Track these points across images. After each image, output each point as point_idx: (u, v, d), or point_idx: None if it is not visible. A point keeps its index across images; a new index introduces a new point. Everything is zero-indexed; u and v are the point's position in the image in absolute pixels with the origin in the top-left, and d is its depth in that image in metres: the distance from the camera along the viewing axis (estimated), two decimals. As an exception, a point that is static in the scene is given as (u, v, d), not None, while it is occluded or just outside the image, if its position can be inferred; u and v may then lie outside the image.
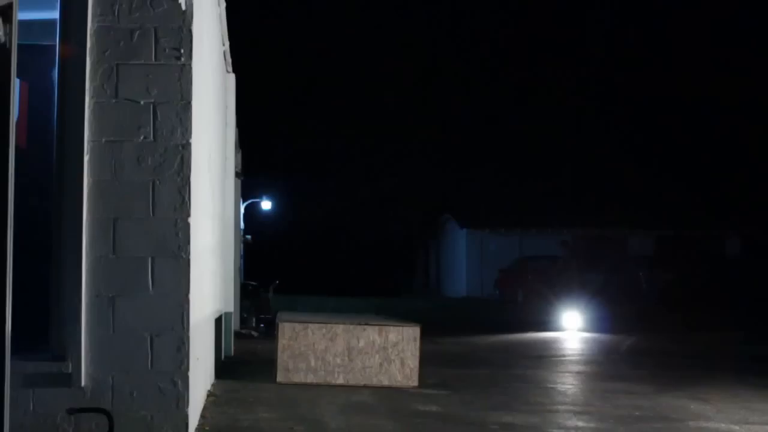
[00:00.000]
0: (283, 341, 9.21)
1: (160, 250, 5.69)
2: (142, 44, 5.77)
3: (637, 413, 8.04)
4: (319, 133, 43.23)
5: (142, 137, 5.74)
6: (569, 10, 43.40)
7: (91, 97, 5.72)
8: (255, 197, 31.06)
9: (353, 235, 41.97)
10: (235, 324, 18.25)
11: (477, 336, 18.26)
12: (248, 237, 23.48)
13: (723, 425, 7.50)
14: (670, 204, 38.50)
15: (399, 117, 42.52)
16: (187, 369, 5.67)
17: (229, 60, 12.57)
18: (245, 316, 19.80)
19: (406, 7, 45.65)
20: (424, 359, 13.15)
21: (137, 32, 5.77)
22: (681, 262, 31.27)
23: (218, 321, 10.84)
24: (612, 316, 22.39)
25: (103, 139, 5.72)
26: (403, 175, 40.84)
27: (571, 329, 19.90)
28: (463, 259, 37.49)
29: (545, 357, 13.89)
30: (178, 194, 5.73)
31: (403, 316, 27.55)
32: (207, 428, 6.37)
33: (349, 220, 41.66)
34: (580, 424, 7.38)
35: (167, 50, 5.77)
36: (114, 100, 5.73)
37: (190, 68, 5.79)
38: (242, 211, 28.48)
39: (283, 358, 9.19)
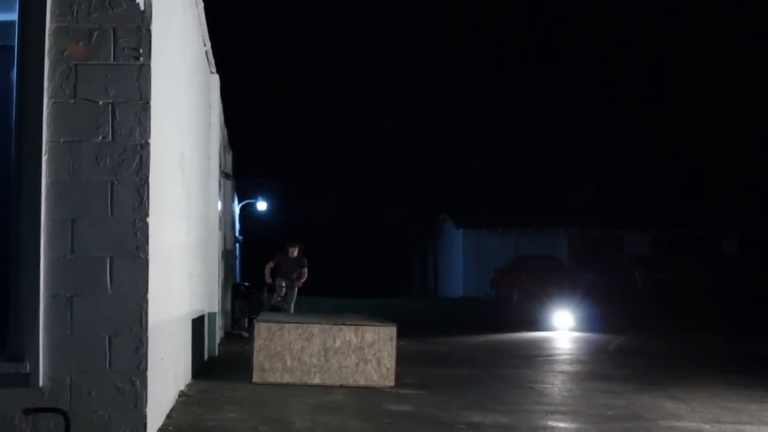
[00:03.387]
0: (259, 341, 9.21)
1: (119, 250, 5.69)
2: (101, 44, 5.78)
3: (610, 413, 8.02)
4: (316, 133, 43.23)
5: (100, 137, 5.74)
6: (568, 4, 43.36)
7: (50, 98, 5.72)
8: (251, 198, 31.05)
9: (350, 235, 41.97)
10: (227, 325, 18.32)
11: (467, 336, 18.25)
12: (240, 238, 23.47)
13: (693, 424, 7.48)
14: (667, 203, 38.47)
15: (397, 116, 42.47)
16: (146, 369, 5.68)
17: (212, 61, 12.56)
18: (238, 316, 19.76)
19: (404, 6, 45.65)
20: (409, 359, 13.20)
21: (96, 32, 5.78)
22: (677, 261, 31.24)
23: (199, 321, 10.85)
24: (605, 316, 22.37)
25: (62, 139, 5.72)
26: (399, 176, 40.81)
27: (563, 329, 19.88)
28: (460, 259, 37.47)
29: (531, 357, 13.87)
30: (137, 194, 5.73)
31: (399, 317, 27.53)
32: (170, 428, 6.36)
33: (346, 220, 41.65)
34: (550, 423, 7.36)
35: (126, 50, 5.78)
36: (72, 101, 5.74)
37: (149, 68, 5.79)
38: (237, 212, 28.52)
39: (259, 358, 9.18)
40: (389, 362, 9.25)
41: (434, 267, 42.54)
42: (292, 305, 17.67)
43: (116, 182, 5.72)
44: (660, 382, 10.31)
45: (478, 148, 41.95)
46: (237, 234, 27.87)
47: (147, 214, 5.73)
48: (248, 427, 6.54)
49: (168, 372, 7.08)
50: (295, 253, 17.13)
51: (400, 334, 17.84)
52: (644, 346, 16.08)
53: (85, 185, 5.70)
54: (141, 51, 5.77)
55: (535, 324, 21.06)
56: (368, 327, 9.30)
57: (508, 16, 43.32)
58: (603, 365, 12.81)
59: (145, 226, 5.71)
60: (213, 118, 12.96)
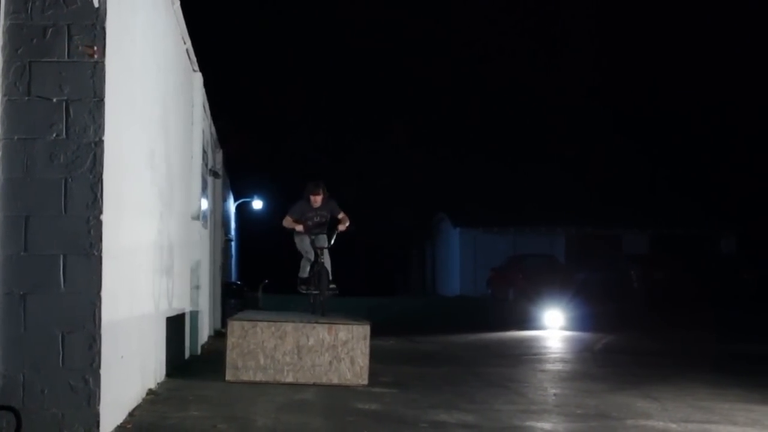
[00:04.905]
0: (232, 339, 9.20)
1: (72, 247, 5.69)
2: (56, 42, 5.77)
3: (579, 411, 8.00)
4: (314, 133, 43.24)
5: (54, 135, 5.74)
6: (566, 4, 43.30)
7: (4, 95, 5.72)
8: (247, 197, 31.05)
9: (348, 234, 41.87)
10: (215, 323, 18.31)
11: (457, 335, 18.23)
12: (230, 237, 23.46)
13: (661, 423, 7.46)
14: (665, 202, 38.37)
15: (395, 116, 42.45)
16: (99, 367, 5.67)
17: (194, 59, 12.54)
18: (230, 315, 19.74)
19: (403, 5, 45.65)
20: (392, 358, 13.21)
21: (50, 30, 5.78)
22: (674, 260, 31.15)
23: (178, 320, 10.82)
24: (598, 315, 22.33)
25: (16, 137, 5.72)
26: (397, 175, 40.78)
27: (554, 328, 19.86)
28: (457, 258, 37.42)
29: (516, 355, 13.84)
30: (91, 192, 5.72)
31: (393, 316, 27.55)
32: (130, 426, 6.35)
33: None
34: (516, 422, 7.33)
35: (80, 48, 5.77)
36: (26, 98, 5.74)
37: (104, 65, 5.78)
38: (232, 210, 28.53)
39: (232, 356, 9.18)
40: (362, 360, 9.23)
41: (432, 266, 42.51)
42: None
43: (70, 180, 5.72)
44: (638, 381, 10.29)
45: (475, 147, 41.91)
46: (231, 232, 27.85)
47: (101, 212, 5.72)
48: (207, 425, 6.53)
49: (132, 370, 7.07)
50: (319, 201, 11.12)
51: (390, 333, 18.05)
52: (631, 345, 16.05)
53: (39, 183, 5.70)
54: (95, 48, 5.76)
55: (528, 323, 21.03)
56: (341, 325, 9.29)
57: (507, 16, 43.26)
58: (585, 364, 12.78)
59: (99, 224, 5.71)
60: (196, 116, 12.94)
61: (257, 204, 30.82)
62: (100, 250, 5.70)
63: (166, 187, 9.45)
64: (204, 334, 14.65)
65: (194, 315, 12.75)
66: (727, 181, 39.57)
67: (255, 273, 30.62)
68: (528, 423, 7.33)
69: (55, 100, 5.74)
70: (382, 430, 6.73)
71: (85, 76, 5.75)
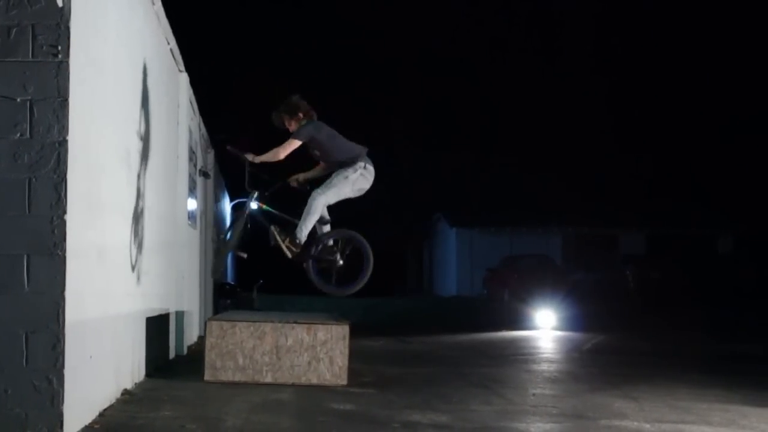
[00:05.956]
0: (210, 339, 9.19)
1: (36, 247, 5.68)
2: (19, 41, 5.76)
3: (555, 412, 7.97)
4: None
5: (18, 134, 5.73)
6: (562, 6, 43.28)
7: (-33, 95, 5.71)
8: (242, 197, 30.96)
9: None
10: (207, 323, 18.29)
11: (448, 335, 18.25)
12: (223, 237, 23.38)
13: (635, 423, 7.43)
14: (662, 202, 38.34)
15: (392, 115, 42.45)
16: (63, 366, 5.66)
17: (180, 59, 12.54)
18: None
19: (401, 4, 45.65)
20: (377, 358, 13.20)
21: (14, 29, 5.77)
22: (670, 260, 31.13)
23: (160, 320, 10.81)
24: (591, 315, 22.34)
25: (-21, 137, 5.70)
26: (394, 175, 40.77)
27: (546, 328, 19.87)
28: (453, 258, 37.41)
29: (504, 356, 13.84)
30: (55, 191, 5.72)
31: (387, 316, 27.49)
32: (97, 426, 6.34)
33: (340, 220, 41.56)
34: (489, 423, 7.31)
35: (44, 47, 5.76)
36: (-10, 98, 5.72)
37: (68, 65, 5.77)
38: (228, 211, 28.41)
39: (210, 356, 9.17)
40: (342, 361, 9.22)
41: (429, 266, 42.50)
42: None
43: (34, 179, 5.71)
44: (619, 381, 10.27)
45: (472, 147, 41.90)
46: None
47: (65, 212, 5.71)
48: (176, 425, 6.52)
49: (104, 370, 7.07)
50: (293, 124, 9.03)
51: (382, 333, 18.08)
52: (621, 345, 16.04)
53: (2, 183, 5.69)
54: (60, 48, 5.76)
55: (521, 323, 21.04)
56: (320, 325, 9.28)
57: (505, 15, 43.24)
58: (571, 364, 12.77)
59: (63, 224, 5.70)
60: (181, 117, 12.94)
61: (253, 205, 30.66)
62: (64, 250, 5.68)
63: (146, 186, 9.44)
64: (193, 334, 14.63)
65: (180, 315, 12.75)
66: (724, 181, 39.53)
67: (252, 273, 30.59)
68: (502, 423, 7.31)
69: (19, 99, 5.73)
70: (351, 431, 6.71)
71: (49, 76, 5.74)
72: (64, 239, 5.69)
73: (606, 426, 7.30)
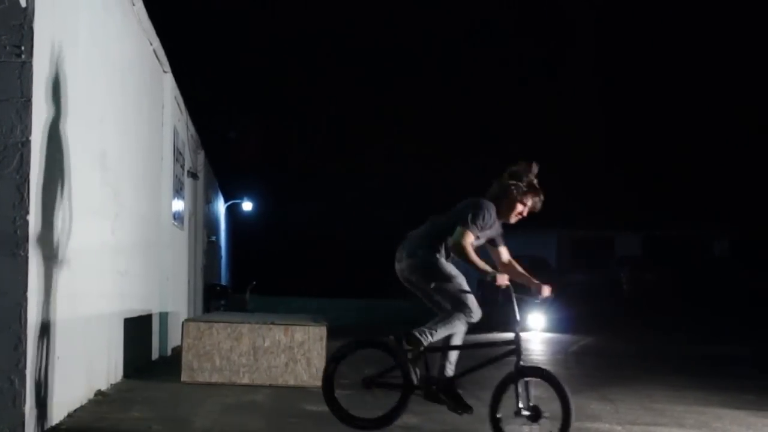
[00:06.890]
0: (187, 341, 9.19)
1: (-2, 248, 5.66)
2: (-18, 42, 5.75)
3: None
4: (309, 134, 43.27)
5: (-20, 135, 5.72)
6: (556, 7, 43.33)
7: (-69, 95, 5.70)
8: (237, 198, 31.02)
9: (341, 235, 41.95)
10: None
11: (437, 336, 18.18)
12: (213, 238, 23.44)
13: (607, 426, 7.43)
14: (658, 204, 38.29)
15: (390, 117, 42.49)
16: (24, 367, 5.65)
17: (165, 60, 12.53)
18: (214, 316, 19.71)
19: (400, 6, 45.70)
20: (363, 359, 13.13)
21: (-22, 30, 5.75)
22: (665, 262, 31.11)
23: (141, 321, 10.80)
24: (582, 317, 22.30)
25: (-58, 137, 5.70)
26: (391, 177, 40.80)
27: (535, 330, 19.85)
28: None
29: (488, 357, 13.78)
30: (17, 192, 5.70)
31: (382, 318, 27.36)
32: (64, 427, 6.34)
33: (336, 220, 41.67)
34: (460, 426, 7.33)
35: (8, 48, 5.75)
36: (-47, 98, 5.71)
37: (31, 66, 5.77)
38: (222, 212, 28.45)
39: (187, 357, 9.17)
40: (319, 362, 9.19)
41: (425, 267, 42.41)
42: None
43: (-4, 180, 5.70)
44: (599, 383, 10.26)
45: (469, 148, 41.89)
46: (221, 234, 27.80)
47: (27, 212, 5.70)
48: (143, 426, 6.51)
49: (74, 371, 7.05)
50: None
51: (372, 334, 17.96)
52: (607, 347, 16.02)
53: (-35, 183, 5.68)
54: (23, 48, 5.75)
55: (510, 325, 20.97)
56: (298, 327, 9.27)
57: (503, 20, 43.25)
58: (554, 366, 12.72)
59: (25, 224, 5.69)
60: (166, 118, 12.92)
61: (247, 206, 30.74)
62: (26, 251, 5.67)
63: (124, 187, 9.44)
64: (178, 335, 14.61)
65: (164, 316, 12.74)
66: (720, 183, 39.49)
67: (246, 275, 30.60)
68: (473, 426, 7.31)
69: (-19, 100, 5.72)
70: (319, 432, 6.71)
71: (12, 77, 5.73)
72: (26, 240, 5.68)
73: (578, 428, 7.29)
